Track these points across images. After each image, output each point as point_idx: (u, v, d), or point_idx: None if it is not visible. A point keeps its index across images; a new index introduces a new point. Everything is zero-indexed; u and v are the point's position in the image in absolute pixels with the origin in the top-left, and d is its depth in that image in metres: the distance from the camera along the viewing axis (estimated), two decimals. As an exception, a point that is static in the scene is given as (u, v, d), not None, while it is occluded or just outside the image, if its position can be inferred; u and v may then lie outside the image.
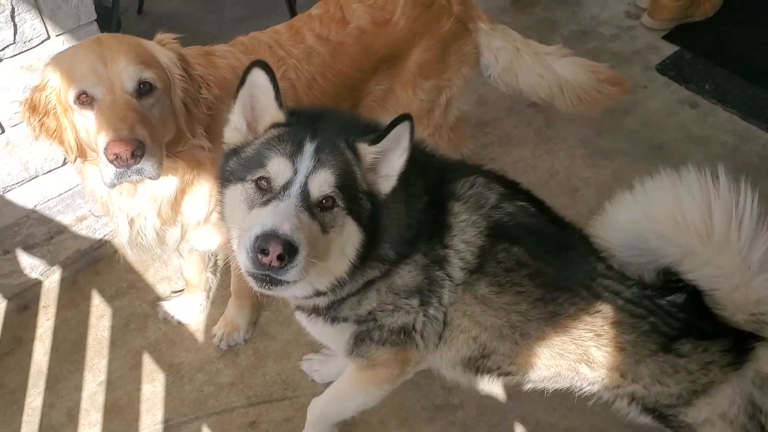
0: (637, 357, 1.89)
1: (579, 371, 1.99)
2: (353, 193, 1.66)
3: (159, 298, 3.09)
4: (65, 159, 2.78)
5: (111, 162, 1.86)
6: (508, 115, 3.83)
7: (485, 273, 1.88)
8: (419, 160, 1.77)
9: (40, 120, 2.05)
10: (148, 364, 2.87)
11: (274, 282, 1.58)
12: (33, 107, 2.04)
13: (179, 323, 3.00)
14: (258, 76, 1.67)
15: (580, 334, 1.90)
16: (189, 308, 3.02)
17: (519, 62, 2.89)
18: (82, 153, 2.09)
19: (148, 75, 1.96)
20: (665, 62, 4.21)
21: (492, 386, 2.72)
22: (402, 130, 1.64)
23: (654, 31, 4.43)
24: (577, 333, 1.91)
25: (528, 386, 2.15)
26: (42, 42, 2.50)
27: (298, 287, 1.72)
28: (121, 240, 2.31)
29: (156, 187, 2.17)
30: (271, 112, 1.72)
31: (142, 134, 1.88)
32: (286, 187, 1.59)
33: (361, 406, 2.33)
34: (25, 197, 2.85)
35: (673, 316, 1.85)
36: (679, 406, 1.93)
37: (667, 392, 1.92)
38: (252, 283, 1.63)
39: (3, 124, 2.60)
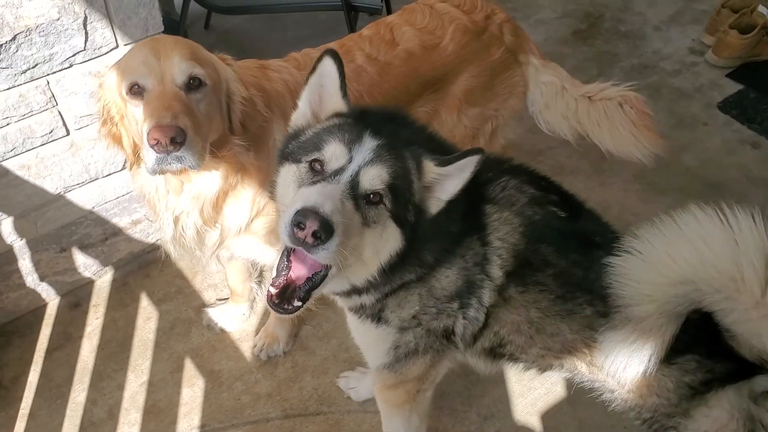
0: None
1: (578, 368, 1.98)
2: (404, 200, 1.66)
3: (204, 305, 3.15)
4: (124, 163, 2.87)
5: (152, 147, 1.91)
6: (562, 145, 3.79)
7: (515, 274, 1.88)
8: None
9: (109, 130, 2.15)
10: (189, 369, 2.92)
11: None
12: (104, 121, 2.15)
13: (222, 331, 3.05)
14: (327, 65, 1.71)
15: (591, 334, 1.87)
16: (232, 317, 3.07)
17: (563, 100, 2.88)
18: (136, 156, 2.17)
19: (199, 72, 2.02)
20: (728, 100, 4.12)
21: (529, 418, 2.67)
22: (469, 163, 1.65)
23: (718, 69, 4.35)
24: (588, 333, 1.88)
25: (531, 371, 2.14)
26: (110, 50, 2.61)
27: (335, 281, 1.73)
28: (165, 237, 2.37)
29: (200, 186, 2.22)
30: (335, 101, 1.75)
31: (184, 123, 1.92)
32: (338, 172, 1.60)
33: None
34: (84, 198, 2.96)
35: (683, 331, 1.77)
36: (678, 416, 1.87)
37: (665, 403, 1.87)
38: (285, 261, 1.66)
39: (69, 127, 2.71)
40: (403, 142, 1.69)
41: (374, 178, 1.60)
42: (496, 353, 2.07)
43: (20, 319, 3.10)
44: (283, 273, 1.68)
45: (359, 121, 1.71)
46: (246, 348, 2.99)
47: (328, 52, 1.70)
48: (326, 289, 1.78)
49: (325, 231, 1.48)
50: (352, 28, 4.16)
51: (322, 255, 1.53)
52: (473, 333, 1.99)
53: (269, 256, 2.51)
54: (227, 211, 2.33)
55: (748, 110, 4.04)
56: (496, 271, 1.87)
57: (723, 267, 1.60)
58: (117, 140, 2.17)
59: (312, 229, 1.47)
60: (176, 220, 2.30)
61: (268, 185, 1.89)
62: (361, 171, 1.60)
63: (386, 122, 1.74)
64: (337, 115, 1.75)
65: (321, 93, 1.77)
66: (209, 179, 2.22)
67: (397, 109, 2.02)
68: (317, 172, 1.64)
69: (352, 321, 2.07)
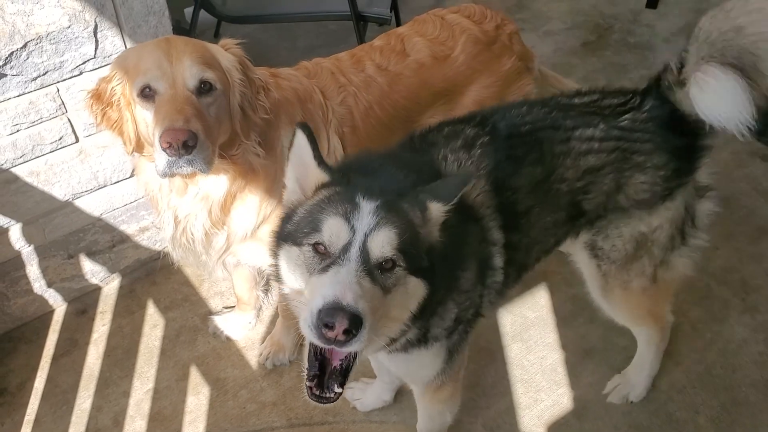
0: (616, 186, 2.04)
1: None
2: (416, 252, 1.57)
3: (211, 313, 3.15)
4: (133, 171, 2.89)
5: (164, 150, 1.92)
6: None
7: (506, 222, 1.94)
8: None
9: (102, 109, 2.13)
10: (195, 376, 2.92)
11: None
12: (98, 96, 2.13)
13: (228, 339, 3.05)
14: (299, 137, 1.64)
15: (574, 200, 2.05)
16: (238, 325, 3.06)
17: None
18: (139, 146, 2.17)
19: (210, 75, 2.03)
20: (738, 112, 4.10)
21: (535, 430, 2.65)
22: (467, 184, 1.68)
23: (728, 81, 4.33)
24: (572, 202, 2.04)
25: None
26: (121, 58, 2.62)
27: (374, 344, 1.66)
28: (165, 236, 2.38)
29: (207, 188, 2.23)
30: (313, 171, 1.67)
31: (196, 127, 1.93)
32: (345, 249, 1.49)
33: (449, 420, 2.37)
34: (92, 205, 2.97)
35: (643, 131, 2.00)
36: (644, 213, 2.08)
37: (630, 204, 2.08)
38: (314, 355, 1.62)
39: (78, 134, 2.72)
40: (394, 192, 1.61)
41: (384, 244, 1.50)
42: (522, 275, 2.20)
43: (27, 325, 3.11)
44: (315, 363, 1.61)
45: (349, 186, 1.63)
46: (252, 356, 2.98)
47: (298, 124, 1.63)
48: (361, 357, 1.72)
49: (355, 325, 1.40)
50: (362, 38, 4.18)
51: (356, 346, 1.45)
52: (498, 290, 2.06)
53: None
54: (234, 215, 2.33)
55: (758, 122, 4.01)
56: (497, 234, 1.92)
57: None
58: (111, 123, 2.15)
59: (342, 328, 1.39)
60: (177, 221, 2.31)
61: (271, 269, 1.78)
62: (367, 240, 1.50)
63: (368, 176, 1.69)
64: (323, 185, 1.66)
65: (302, 165, 1.69)
66: (216, 181, 2.23)
67: (366, 154, 1.94)
68: (323, 255, 1.53)
69: (396, 358, 1.98)
